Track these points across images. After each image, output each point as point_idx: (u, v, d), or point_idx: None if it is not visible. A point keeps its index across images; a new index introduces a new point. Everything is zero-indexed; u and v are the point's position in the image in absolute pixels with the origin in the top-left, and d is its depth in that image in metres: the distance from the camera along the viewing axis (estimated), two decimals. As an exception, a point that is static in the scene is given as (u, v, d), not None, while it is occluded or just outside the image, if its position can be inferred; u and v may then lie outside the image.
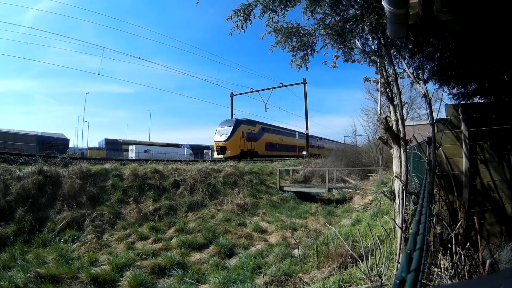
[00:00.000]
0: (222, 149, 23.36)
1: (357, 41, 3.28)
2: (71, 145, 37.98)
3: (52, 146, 25.27)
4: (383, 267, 3.15)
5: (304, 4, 3.00)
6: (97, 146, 43.62)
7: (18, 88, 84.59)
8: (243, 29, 3.09)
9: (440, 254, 2.77)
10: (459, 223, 3.33)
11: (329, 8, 3.01)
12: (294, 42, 3.32)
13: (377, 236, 3.90)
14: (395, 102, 3.24)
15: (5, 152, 11.16)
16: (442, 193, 3.70)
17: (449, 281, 2.48)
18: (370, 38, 3.27)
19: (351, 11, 3.11)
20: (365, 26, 2.99)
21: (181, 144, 47.90)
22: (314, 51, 3.40)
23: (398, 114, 3.20)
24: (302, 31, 3.29)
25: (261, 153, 26.49)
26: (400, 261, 2.74)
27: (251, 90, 29.89)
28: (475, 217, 3.51)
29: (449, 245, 2.87)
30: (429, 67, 4.19)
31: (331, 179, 14.56)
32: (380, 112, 3.28)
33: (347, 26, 3.07)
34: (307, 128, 28.25)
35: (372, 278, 3.10)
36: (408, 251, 0.90)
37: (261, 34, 3.36)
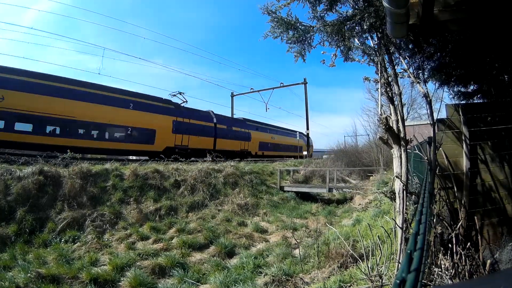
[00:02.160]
0: None
1: (356, 40, 3.29)
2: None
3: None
4: (383, 267, 3.15)
5: None
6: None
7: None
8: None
9: (440, 254, 2.77)
10: (460, 223, 3.33)
11: (328, 6, 3.01)
12: (290, 35, 3.33)
13: (378, 236, 3.90)
14: (396, 102, 3.24)
15: (5, 152, 11.15)
16: (443, 193, 3.70)
17: (449, 281, 2.48)
18: (370, 38, 3.27)
19: (350, 10, 3.11)
20: (365, 26, 2.99)
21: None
22: (310, 46, 3.41)
23: (398, 114, 3.20)
24: (300, 26, 3.29)
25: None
26: (400, 261, 2.74)
27: (252, 90, 29.92)
28: (475, 217, 3.51)
29: (450, 245, 2.87)
30: (429, 67, 4.19)
31: (332, 179, 14.55)
32: (381, 112, 3.27)
33: (347, 25, 3.08)
34: (307, 128, 28.24)
35: (373, 278, 3.10)
36: (409, 251, 0.90)
37: (260, 6, 3.31)
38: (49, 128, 13.34)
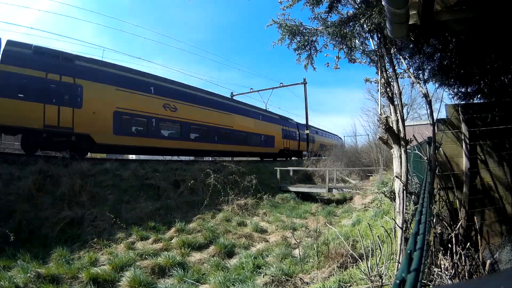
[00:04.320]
0: None
1: (357, 40, 3.29)
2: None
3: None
4: (383, 267, 3.15)
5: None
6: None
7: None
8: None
9: (440, 254, 2.77)
10: (460, 223, 3.33)
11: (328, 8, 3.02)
12: (297, 41, 3.36)
13: (378, 236, 3.91)
14: (396, 102, 3.24)
15: (5, 152, 11.15)
16: (443, 193, 3.70)
17: (449, 281, 2.48)
18: (370, 38, 3.28)
19: (351, 11, 3.12)
20: (365, 26, 2.99)
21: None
22: (317, 50, 3.44)
23: (398, 114, 3.20)
24: (304, 30, 3.31)
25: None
26: (400, 261, 2.74)
27: (252, 90, 29.85)
28: (475, 217, 3.51)
29: (450, 245, 2.87)
30: (429, 67, 4.19)
31: (332, 179, 14.56)
32: (381, 112, 3.27)
33: (348, 26, 3.08)
34: (307, 128, 28.16)
35: (373, 278, 3.10)
36: (409, 251, 0.90)
37: (267, 25, 3.42)
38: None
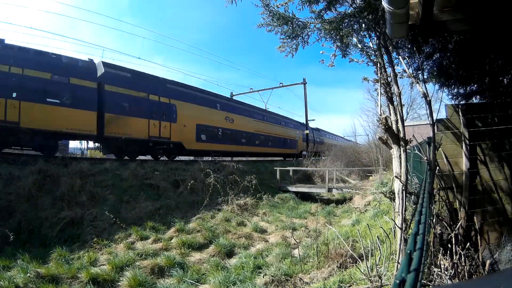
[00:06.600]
0: None
1: (354, 38, 3.28)
2: (71, 145, 37.92)
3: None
4: (383, 267, 3.15)
5: None
6: (97, 146, 43.43)
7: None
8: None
9: (440, 254, 2.77)
10: (459, 223, 3.33)
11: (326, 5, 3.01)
12: (285, 29, 3.32)
13: (377, 236, 3.91)
14: (395, 102, 3.24)
15: (5, 152, 11.13)
16: (442, 193, 3.70)
17: (449, 281, 2.48)
18: (369, 37, 3.27)
19: (349, 9, 3.11)
20: (363, 25, 2.99)
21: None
22: (306, 43, 3.40)
23: (398, 114, 3.20)
24: (297, 22, 3.28)
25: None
26: (400, 261, 2.74)
27: (251, 90, 29.80)
28: (475, 217, 3.52)
29: (449, 245, 2.87)
30: (429, 67, 4.19)
31: (331, 179, 14.56)
32: (380, 112, 3.27)
33: (345, 23, 3.07)
34: (307, 128, 28.16)
35: (372, 279, 3.10)
36: (408, 251, 0.90)
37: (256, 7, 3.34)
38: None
